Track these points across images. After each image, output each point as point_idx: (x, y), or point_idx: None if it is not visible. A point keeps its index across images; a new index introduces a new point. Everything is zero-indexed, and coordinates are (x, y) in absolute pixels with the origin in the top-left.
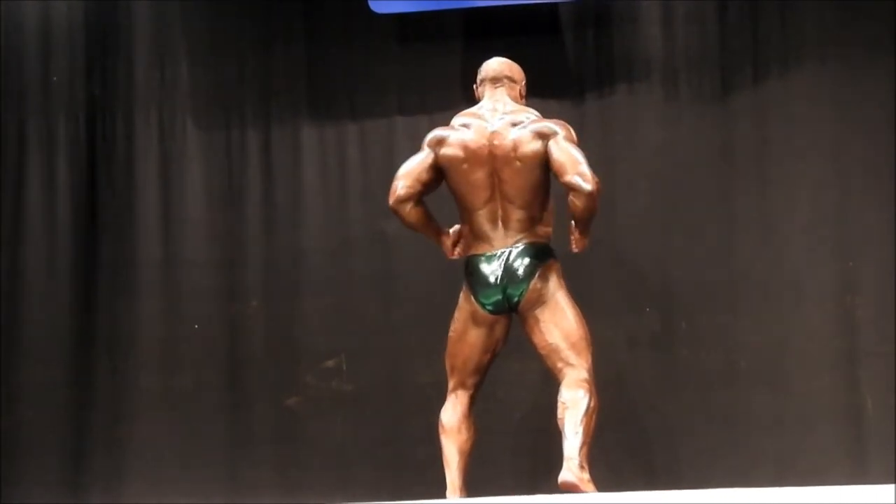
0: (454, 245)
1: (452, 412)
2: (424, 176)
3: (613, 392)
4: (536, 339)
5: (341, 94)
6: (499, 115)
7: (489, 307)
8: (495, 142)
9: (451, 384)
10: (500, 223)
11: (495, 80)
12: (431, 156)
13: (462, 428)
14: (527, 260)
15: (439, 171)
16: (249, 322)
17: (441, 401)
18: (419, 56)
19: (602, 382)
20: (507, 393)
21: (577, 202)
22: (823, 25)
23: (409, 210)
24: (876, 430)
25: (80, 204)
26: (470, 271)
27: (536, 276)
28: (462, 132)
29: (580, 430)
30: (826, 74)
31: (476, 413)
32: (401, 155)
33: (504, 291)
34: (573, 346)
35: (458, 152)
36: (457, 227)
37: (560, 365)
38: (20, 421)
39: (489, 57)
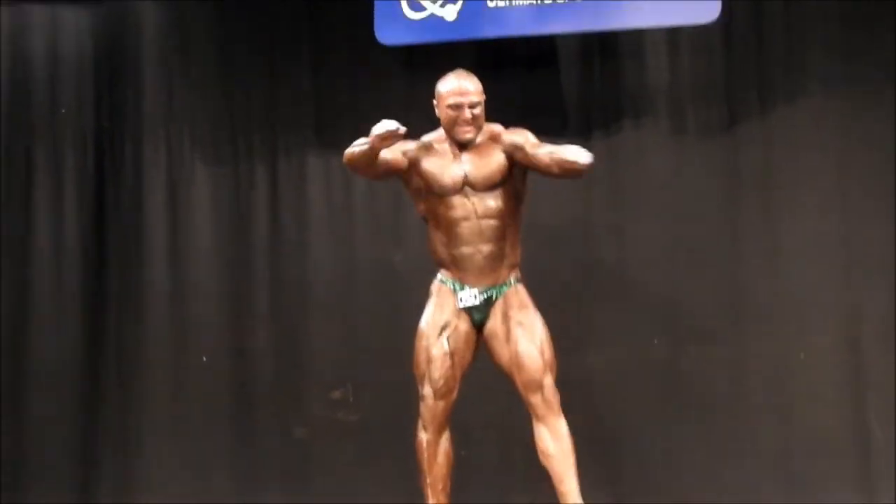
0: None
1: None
2: None
3: (619, 421)
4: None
5: (348, 124)
6: None
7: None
8: None
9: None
10: None
11: None
12: None
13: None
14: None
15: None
16: (257, 352)
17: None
18: (427, 87)
19: (608, 411)
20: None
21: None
22: (827, 53)
23: None
24: (883, 458)
25: (87, 233)
26: None
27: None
28: None
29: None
30: (831, 102)
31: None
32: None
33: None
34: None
35: None
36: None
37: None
38: (28, 450)
39: (498, 88)
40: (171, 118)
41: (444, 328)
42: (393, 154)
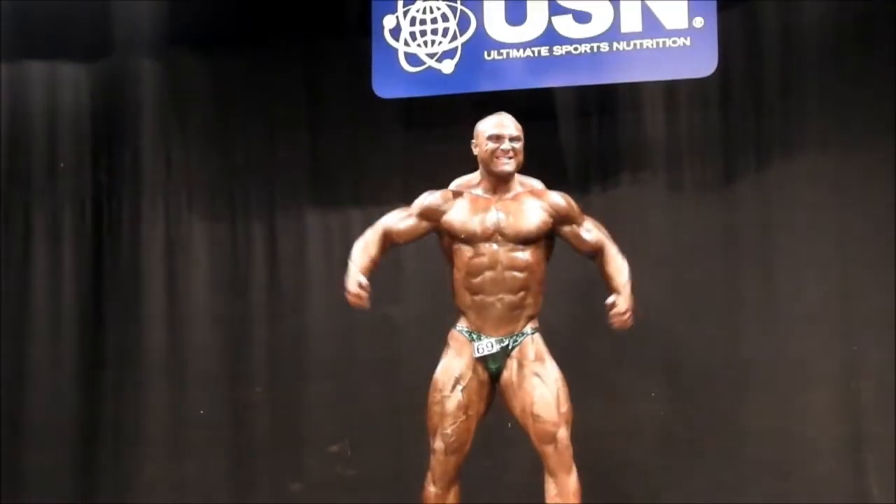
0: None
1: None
2: None
3: (617, 478)
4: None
5: (346, 180)
6: None
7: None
8: None
9: None
10: None
11: None
12: None
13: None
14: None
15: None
16: (254, 407)
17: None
18: (425, 141)
19: (605, 468)
20: None
21: None
22: (825, 109)
23: None
24: None
25: (85, 290)
26: None
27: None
28: None
29: None
30: (828, 158)
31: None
32: None
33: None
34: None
35: None
36: None
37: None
38: None
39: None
40: (169, 175)
41: (458, 380)
42: (409, 224)
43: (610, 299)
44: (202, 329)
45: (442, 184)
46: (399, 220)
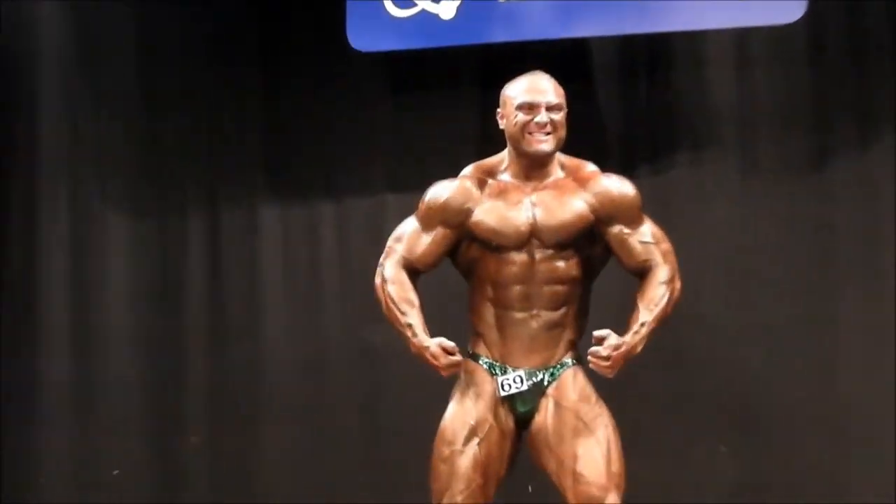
0: None
1: None
2: None
3: None
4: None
5: (313, 162)
6: None
7: None
8: None
9: None
10: None
11: None
12: None
13: None
14: None
15: None
16: (190, 462)
17: None
18: (418, 111)
19: None
20: None
21: None
22: None
23: None
24: None
25: None
26: None
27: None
28: None
29: None
30: None
31: None
32: None
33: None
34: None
35: None
36: None
37: None
38: None
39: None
40: (76, 153)
41: (475, 430)
42: (429, 244)
43: (601, 332)
44: (119, 357)
45: (442, 168)
46: (414, 241)
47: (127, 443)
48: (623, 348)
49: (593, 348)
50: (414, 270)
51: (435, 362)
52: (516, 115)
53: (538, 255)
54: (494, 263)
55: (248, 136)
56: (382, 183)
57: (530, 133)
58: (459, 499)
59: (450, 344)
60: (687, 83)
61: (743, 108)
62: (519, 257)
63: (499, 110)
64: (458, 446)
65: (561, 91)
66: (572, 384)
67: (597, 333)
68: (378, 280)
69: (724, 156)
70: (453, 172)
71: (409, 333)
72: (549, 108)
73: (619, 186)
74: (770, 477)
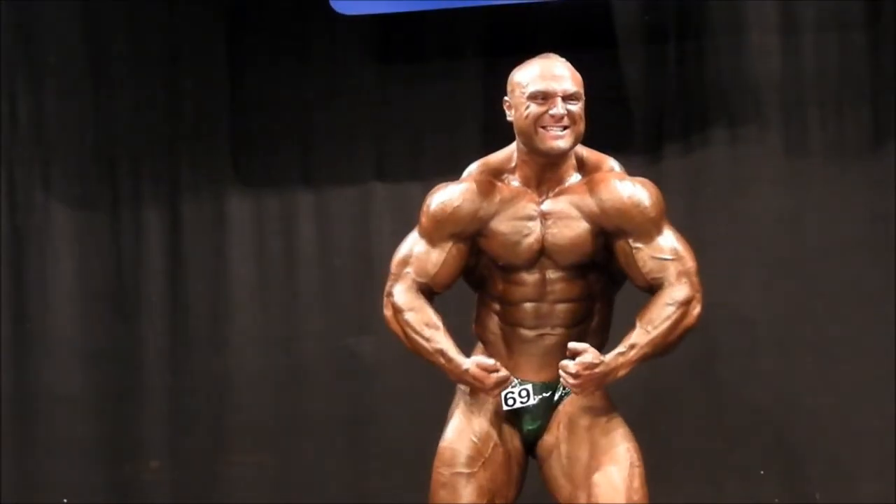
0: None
1: None
2: None
3: None
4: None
5: (289, 144)
6: None
7: None
8: None
9: None
10: None
11: None
12: None
13: None
14: None
15: None
16: (148, 490)
17: None
18: (410, 85)
19: None
20: None
21: None
22: None
23: None
24: None
25: None
26: None
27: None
28: None
29: None
30: None
31: None
32: (381, 238)
33: None
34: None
35: None
36: None
37: None
38: None
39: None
40: (14, 135)
41: (479, 451)
42: (440, 262)
43: (577, 345)
44: (67, 371)
45: (439, 152)
46: (423, 261)
47: (76, 468)
48: (599, 369)
49: (564, 361)
50: (429, 293)
51: (480, 385)
52: (527, 106)
53: (551, 274)
54: (502, 282)
55: (213, 114)
56: (369, 169)
57: (544, 127)
58: None
59: (489, 362)
60: (723, 50)
61: (788, 79)
62: (530, 277)
63: (506, 99)
64: (459, 468)
65: (579, 78)
66: (587, 400)
67: (572, 346)
68: (388, 312)
69: (765, 135)
70: (452, 157)
71: (442, 361)
72: (566, 98)
73: (631, 193)
74: (813, 500)
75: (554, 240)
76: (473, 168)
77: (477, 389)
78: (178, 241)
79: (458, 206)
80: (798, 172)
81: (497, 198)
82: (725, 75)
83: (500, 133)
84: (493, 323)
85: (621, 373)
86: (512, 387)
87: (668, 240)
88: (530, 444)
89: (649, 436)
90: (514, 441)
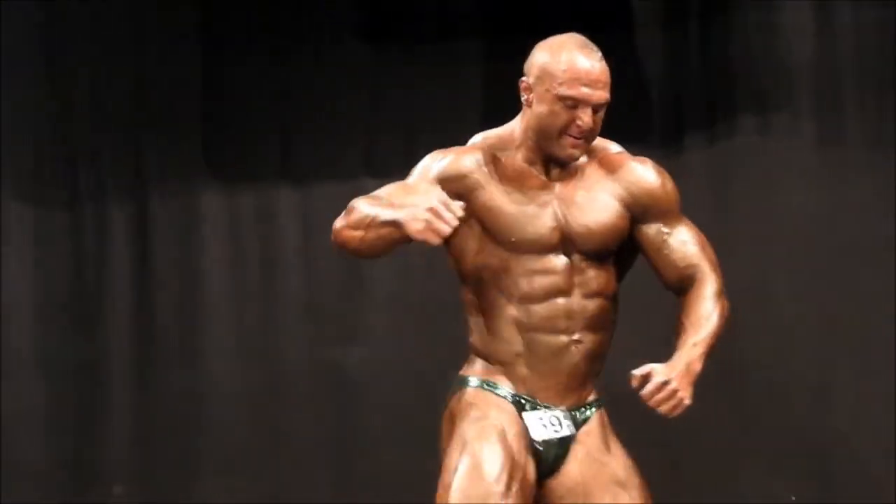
0: None
1: None
2: None
3: None
4: None
5: (268, 134)
6: None
7: None
8: None
9: None
10: None
11: None
12: None
13: None
14: None
15: None
16: None
17: None
18: (402, 69)
19: None
20: None
21: None
22: None
23: None
24: None
25: None
26: None
27: None
28: None
29: None
30: None
31: None
32: None
33: None
34: None
35: None
36: None
37: None
38: None
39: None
40: None
41: (512, 470)
42: None
43: (642, 369)
44: (21, 386)
45: (434, 143)
46: (396, 191)
47: (33, 494)
48: (685, 377)
49: (648, 386)
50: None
51: (438, 221)
52: (556, 109)
53: (574, 259)
54: (521, 270)
55: (185, 100)
56: (357, 161)
57: (568, 135)
58: None
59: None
60: (751, 29)
61: (822, 63)
62: (549, 263)
63: (526, 80)
64: (500, 488)
65: (609, 76)
66: (600, 429)
67: (637, 372)
68: (339, 223)
69: (797, 123)
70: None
71: (397, 216)
72: (597, 108)
73: (656, 175)
74: None
75: (576, 224)
76: (477, 138)
77: (425, 230)
78: (144, 241)
79: (452, 162)
80: (833, 164)
81: (500, 170)
82: (753, 57)
83: (501, 119)
84: (511, 335)
85: (698, 367)
86: (540, 411)
87: (688, 227)
88: (541, 477)
89: (666, 458)
90: (530, 470)
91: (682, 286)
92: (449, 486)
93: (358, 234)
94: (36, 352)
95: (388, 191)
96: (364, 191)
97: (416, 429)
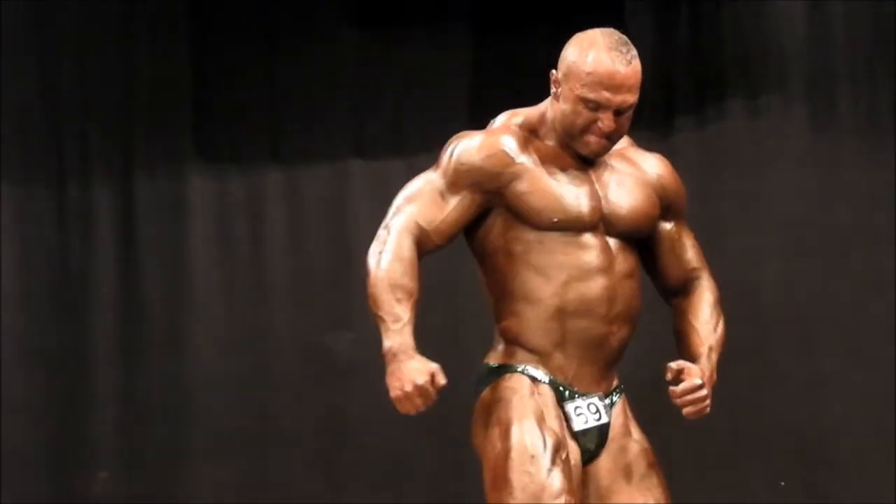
0: None
1: None
2: None
3: None
4: None
5: (256, 117)
6: None
7: None
8: None
9: None
10: None
11: None
12: None
13: None
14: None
15: None
16: None
17: None
18: (391, 53)
19: None
20: None
21: None
22: None
23: None
24: None
25: None
26: None
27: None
28: None
29: None
30: None
31: None
32: (358, 221)
33: None
34: None
35: None
36: None
37: None
38: None
39: (522, 49)
40: None
41: (557, 446)
42: (453, 211)
43: (677, 364)
44: (5, 372)
45: (423, 127)
46: (431, 203)
47: (18, 480)
48: (708, 374)
49: (683, 386)
50: (425, 242)
51: (402, 378)
52: (578, 109)
53: (611, 242)
54: (562, 250)
55: (173, 83)
56: (346, 145)
57: (591, 133)
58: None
59: (439, 375)
60: (742, 12)
61: (813, 46)
62: (591, 241)
63: (556, 73)
64: (546, 462)
65: (640, 75)
66: (625, 418)
67: (674, 365)
68: (375, 248)
69: (788, 108)
70: (438, 131)
71: (382, 327)
72: (621, 111)
73: (672, 170)
74: None
75: (617, 198)
76: (503, 117)
77: (398, 398)
78: (131, 225)
79: (487, 157)
80: (824, 148)
81: (534, 154)
82: (744, 40)
83: (490, 104)
84: (549, 324)
85: (715, 377)
86: (577, 400)
87: (690, 231)
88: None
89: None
90: (574, 453)
91: (682, 287)
92: (500, 474)
93: (369, 278)
94: (20, 337)
95: (414, 199)
96: (350, 173)
97: (408, 418)
